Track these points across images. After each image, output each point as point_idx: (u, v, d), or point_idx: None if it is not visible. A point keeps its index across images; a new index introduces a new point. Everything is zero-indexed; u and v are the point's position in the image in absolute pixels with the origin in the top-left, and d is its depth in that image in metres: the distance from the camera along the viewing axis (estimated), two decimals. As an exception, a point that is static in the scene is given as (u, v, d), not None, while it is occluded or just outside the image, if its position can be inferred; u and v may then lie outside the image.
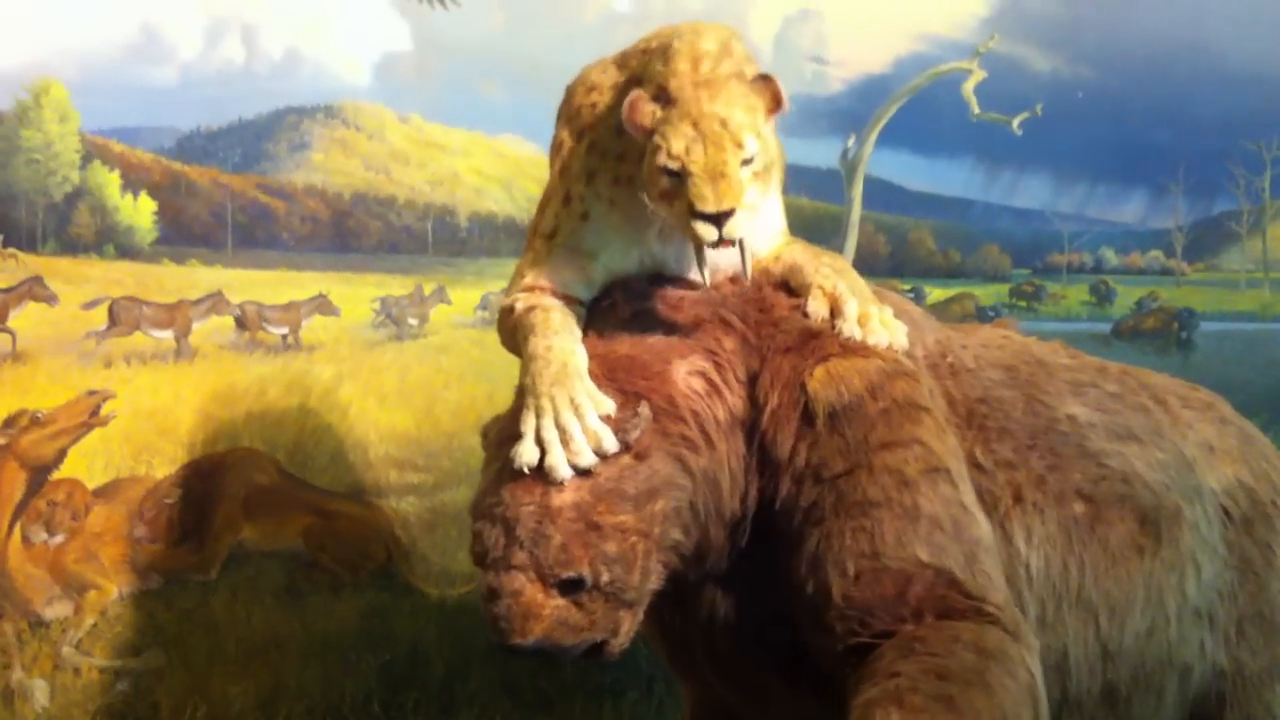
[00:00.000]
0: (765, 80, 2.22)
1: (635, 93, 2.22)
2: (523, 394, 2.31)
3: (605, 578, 2.20)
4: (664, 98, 2.19)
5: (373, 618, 4.13)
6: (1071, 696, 2.63)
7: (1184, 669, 2.79)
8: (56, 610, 3.61)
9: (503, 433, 2.32)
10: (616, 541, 2.21)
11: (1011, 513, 2.55)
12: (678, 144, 2.13)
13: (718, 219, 2.14)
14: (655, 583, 2.32)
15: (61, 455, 3.62)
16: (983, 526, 2.42)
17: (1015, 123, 5.43)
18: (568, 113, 2.52)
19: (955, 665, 2.13)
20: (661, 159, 2.14)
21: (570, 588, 2.20)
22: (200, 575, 3.87)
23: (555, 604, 2.19)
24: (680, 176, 2.14)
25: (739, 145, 2.14)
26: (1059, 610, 2.56)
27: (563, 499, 2.19)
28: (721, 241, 2.17)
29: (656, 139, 2.16)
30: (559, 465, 2.18)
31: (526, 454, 2.20)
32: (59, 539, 3.62)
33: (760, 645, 2.50)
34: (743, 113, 2.16)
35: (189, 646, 3.80)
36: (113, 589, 3.70)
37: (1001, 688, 2.13)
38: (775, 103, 2.23)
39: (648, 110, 2.19)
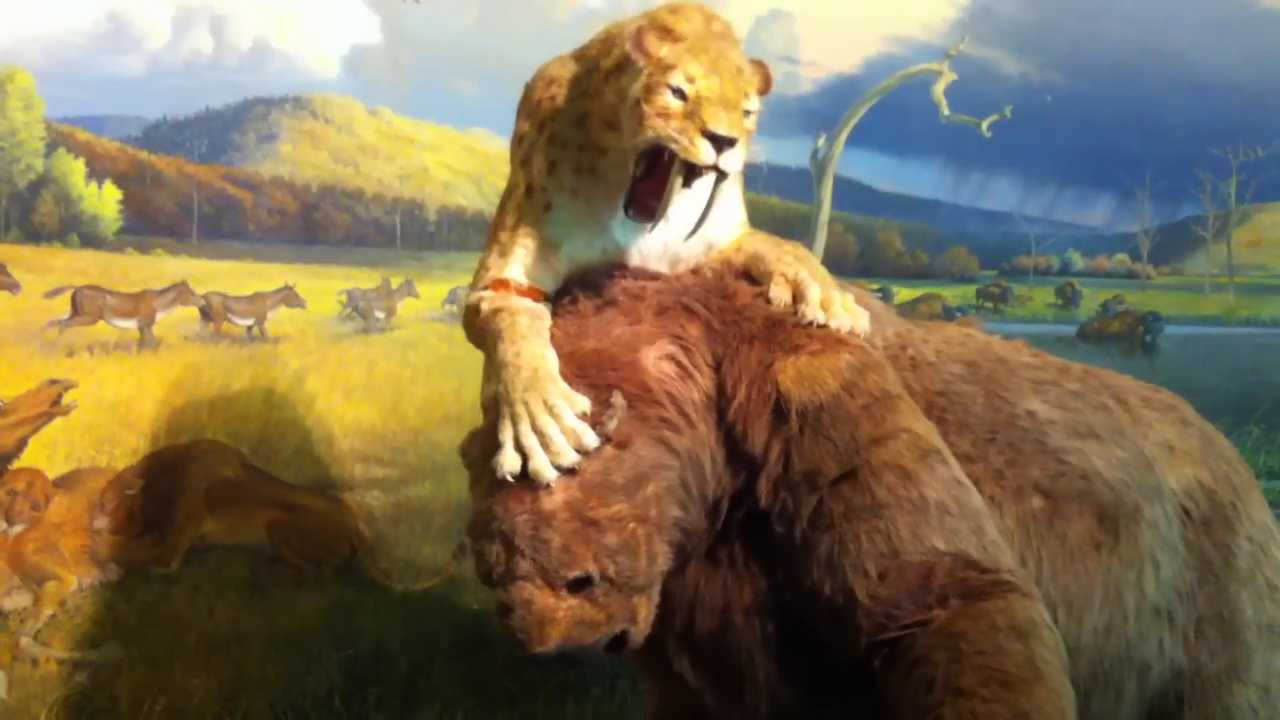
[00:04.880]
0: (759, 64, 2.27)
1: (641, 24, 2.23)
2: (497, 404, 2.30)
3: (611, 570, 2.21)
4: (672, 38, 2.20)
5: (336, 612, 4.11)
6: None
7: (1142, 667, 2.80)
8: (15, 601, 3.59)
9: (484, 449, 2.31)
10: (615, 533, 2.21)
11: None
12: (695, 68, 2.15)
13: (720, 144, 2.15)
14: (664, 564, 2.32)
15: (22, 444, 3.60)
16: (977, 495, 2.49)
17: (985, 125, 5.46)
18: (527, 107, 2.52)
19: (1010, 665, 2.23)
20: (675, 78, 2.15)
21: (579, 586, 2.20)
22: (161, 568, 3.85)
23: (568, 605, 2.20)
24: (687, 98, 2.15)
25: (747, 95, 2.19)
26: (1018, 605, 2.57)
27: (554, 501, 2.19)
28: (712, 168, 2.17)
29: (668, 59, 2.17)
30: (543, 468, 2.18)
31: (508, 462, 2.20)
32: (18, 529, 3.60)
33: (749, 628, 2.50)
34: (750, 72, 2.22)
35: (149, 639, 3.78)
36: (72, 580, 3.68)
37: (1048, 668, 2.27)
38: (766, 85, 2.27)
39: (656, 41, 2.20)
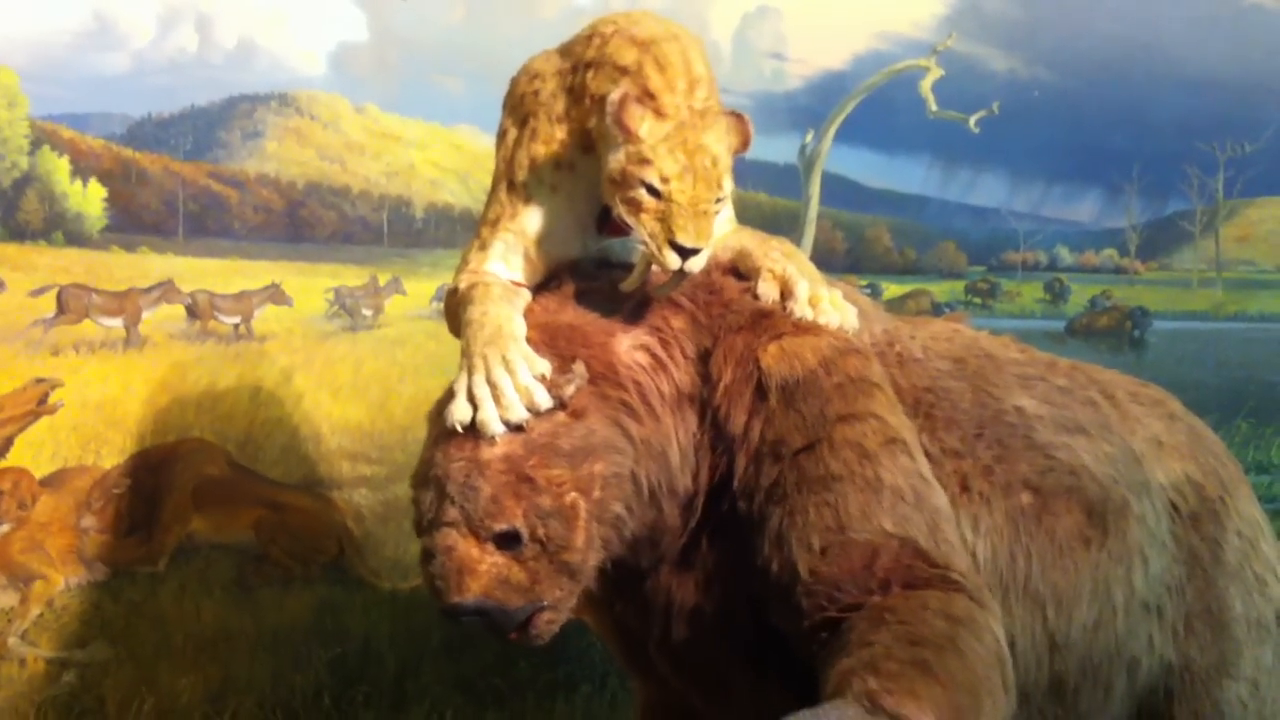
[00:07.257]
0: (740, 120, 2.28)
1: (625, 89, 2.22)
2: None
3: (541, 531, 2.19)
4: (655, 107, 2.21)
5: (324, 611, 4.10)
6: (1019, 688, 2.63)
7: (1132, 662, 2.80)
8: (1, 600, 3.58)
9: (440, 404, 2.32)
10: (551, 496, 2.20)
11: (958, 502, 2.55)
12: (671, 167, 2.17)
13: (687, 252, 2.19)
14: (596, 558, 2.30)
15: (8, 444, 3.59)
16: (941, 497, 2.45)
17: (972, 121, 5.45)
18: (511, 101, 2.54)
19: (927, 631, 2.13)
20: (649, 175, 2.18)
21: (506, 542, 2.18)
22: (148, 567, 3.84)
23: (492, 560, 2.18)
24: (660, 197, 2.18)
25: (720, 186, 2.21)
26: (1006, 601, 2.56)
27: (493, 452, 2.19)
28: (677, 272, 2.23)
29: (645, 151, 2.19)
30: (490, 420, 2.18)
31: (459, 411, 2.20)
32: (5, 528, 3.59)
33: (724, 633, 2.49)
34: (726, 153, 2.23)
35: (137, 639, 3.77)
36: (59, 580, 3.67)
37: (971, 651, 2.14)
38: (745, 144, 2.29)
39: (638, 114, 2.20)
